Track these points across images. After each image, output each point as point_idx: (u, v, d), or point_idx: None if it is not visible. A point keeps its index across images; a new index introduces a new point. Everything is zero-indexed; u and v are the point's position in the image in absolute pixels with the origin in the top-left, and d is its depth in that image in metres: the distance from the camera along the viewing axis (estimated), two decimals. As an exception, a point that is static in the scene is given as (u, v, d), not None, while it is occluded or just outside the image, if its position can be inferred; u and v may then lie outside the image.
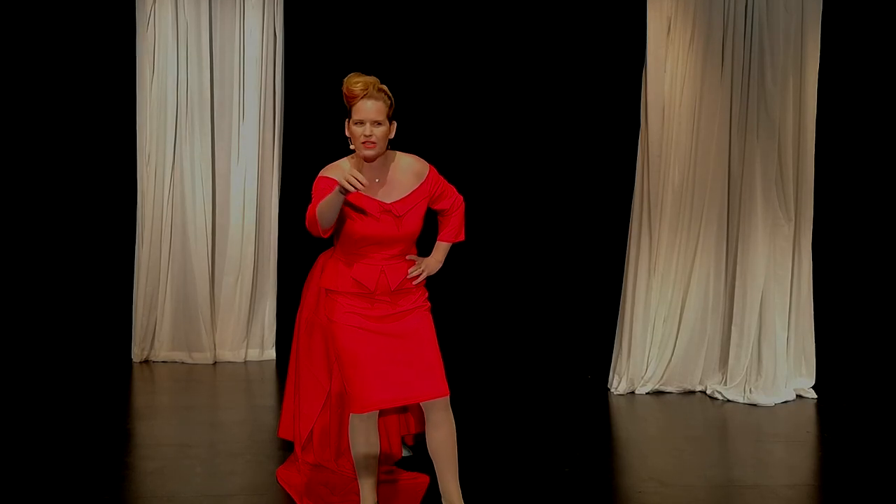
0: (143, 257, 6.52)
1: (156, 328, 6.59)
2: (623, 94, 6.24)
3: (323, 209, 3.27)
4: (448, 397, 3.54)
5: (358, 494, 3.77)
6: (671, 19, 5.85)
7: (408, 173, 3.50)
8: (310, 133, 6.41)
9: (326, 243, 3.65)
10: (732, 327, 5.93)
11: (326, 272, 3.73)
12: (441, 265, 3.67)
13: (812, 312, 6.00)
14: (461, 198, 3.68)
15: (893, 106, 6.43)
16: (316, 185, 3.42)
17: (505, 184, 6.87)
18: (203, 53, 6.50)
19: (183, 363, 6.57)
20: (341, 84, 3.44)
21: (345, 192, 3.14)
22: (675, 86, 5.88)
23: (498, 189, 6.84)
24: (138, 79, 6.47)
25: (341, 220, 3.45)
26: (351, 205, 3.41)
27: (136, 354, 6.55)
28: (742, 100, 5.87)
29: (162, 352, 6.61)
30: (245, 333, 6.72)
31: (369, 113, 3.36)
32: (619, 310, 6.12)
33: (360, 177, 3.11)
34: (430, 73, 6.71)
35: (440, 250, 3.68)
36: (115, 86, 6.53)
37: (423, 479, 4.14)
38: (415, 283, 3.56)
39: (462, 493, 3.62)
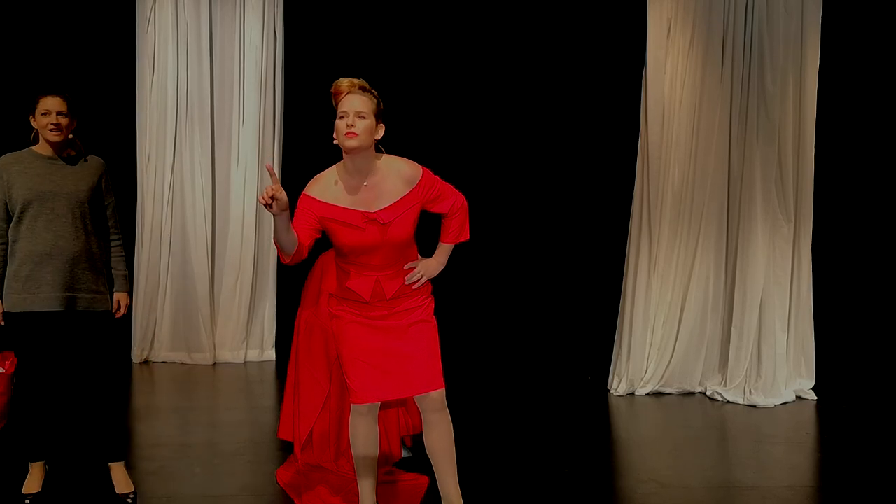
0: (143, 258, 6.53)
1: (155, 329, 6.59)
2: (623, 96, 6.24)
3: (275, 235, 3.23)
4: (443, 397, 3.53)
5: (357, 495, 3.77)
6: (671, 21, 5.86)
7: (397, 179, 3.41)
8: (309, 134, 6.40)
9: (327, 244, 3.65)
10: (732, 328, 5.93)
11: (329, 275, 3.71)
12: (443, 267, 3.62)
13: (812, 314, 6.01)
14: (462, 198, 3.59)
15: (893, 107, 6.43)
16: (297, 204, 3.40)
17: (505, 185, 6.87)
18: (203, 54, 6.51)
19: (182, 364, 6.58)
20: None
21: (273, 212, 3.12)
22: (675, 87, 5.89)
23: (499, 190, 6.84)
24: (138, 80, 6.48)
25: (330, 233, 3.43)
26: (335, 219, 3.38)
27: (136, 355, 6.55)
28: (742, 101, 5.88)
29: (162, 352, 6.62)
30: (245, 334, 6.73)
31: (353, 105, 3.31)
32: (618, 310, 6.13)
33: (266, 191, 3.07)
34: (431, 74, 6.71)
35: (441, 252, 3.64)
36: (115, 87, 6.53)
37: (423, 480, 4.14)
38: (414, 287, 3.54)
39: (462, 493, 3.62)
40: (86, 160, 3.94)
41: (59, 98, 3.83)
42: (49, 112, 3.80)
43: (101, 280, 3.91)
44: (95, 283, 3.87)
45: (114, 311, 4.04)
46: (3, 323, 3.84)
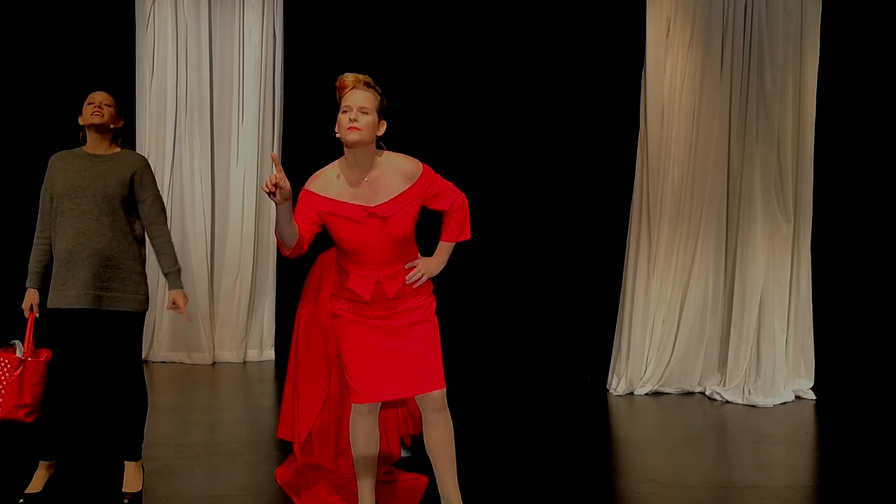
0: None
1: (155, 328, 6.59)
2: (623, 95, 6.25)
3: (276, 227, 3.26)
4: (444, 397, 3.53)
5: (356, 495, 3.77)
6: (671, 20, 5.86)
7: (397, 175, 3.43)
8: (309, 134, 6.41)
9: (326, 243, 3.65)
10: (731, 328, 5.93)
11: (329, 275, 3.70)
12: (444, 265, 3.63)
13: (811, 313, 6.02)
14: (462, 196, 3.61)
15: (893, 106, 6.43)
16: (298, 199, 3.41)
17: (505, 184, 6.88)
18: (203, 54, 6.51)
19: (182, 363, 6.57)
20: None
21: (276, 201, 3.13)
22: (675, 87, 5.89)
23: (498, 189, 6.84)
24: (138, 79, 6.48)
25: (330, 227, 3.44)
26: (335, 213, 3.39)
27: (136, 354, 6.55)
28: (741, 101, 5.88)
29: (161, 352, 6.62)
30: (244, 334, 6.73)
31: (356, 100, 3.35)
32: (618, 310, 6.13)
33: (270, 179, 3.08)
34: (431, 74, 6.71)
35: (442, 251, 3.65)
36: (115, 86, 6.50)
37: (422, 480, 4.14)
38: (414, 286, 3.54)
39: (462, 493, 3.61)
40: (123, 157, 3.91)
41: (104, 93, 3.94)
42: (93, 101, 3.88)
43: (130, 279, 3.82)
44: (123, 282, 3.81)
45: (169, 307, 3.93)
46: (37, 315, 3.87)
